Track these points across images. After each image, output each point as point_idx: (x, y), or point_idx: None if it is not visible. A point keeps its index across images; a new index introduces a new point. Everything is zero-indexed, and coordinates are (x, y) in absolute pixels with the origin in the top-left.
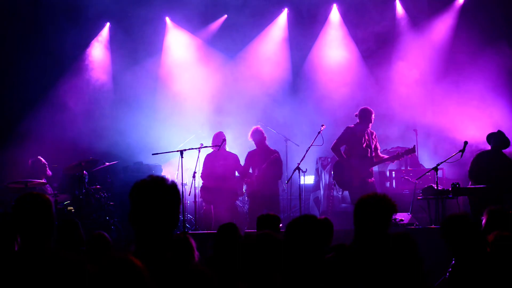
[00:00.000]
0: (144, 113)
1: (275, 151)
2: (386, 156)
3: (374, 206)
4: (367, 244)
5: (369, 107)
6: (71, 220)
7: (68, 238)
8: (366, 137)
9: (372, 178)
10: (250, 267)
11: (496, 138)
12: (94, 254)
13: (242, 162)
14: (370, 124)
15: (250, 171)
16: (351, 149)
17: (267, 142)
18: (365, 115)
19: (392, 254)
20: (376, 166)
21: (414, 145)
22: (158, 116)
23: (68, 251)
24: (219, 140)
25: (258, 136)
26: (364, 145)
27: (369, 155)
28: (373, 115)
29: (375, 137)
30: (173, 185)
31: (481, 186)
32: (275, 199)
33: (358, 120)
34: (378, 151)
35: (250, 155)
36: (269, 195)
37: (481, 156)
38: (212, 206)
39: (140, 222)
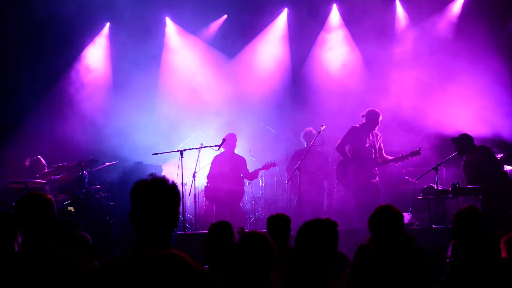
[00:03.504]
0: (144, 113)
1: (321, 152)
2: (390, 157)
3: (385, 218)
4: (386, 246)
5: (376, 109)
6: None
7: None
8: (371, 138)
9: (376, 179)
10: (241, 267)
11: (462, 142)
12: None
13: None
14: (377, 126)
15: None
16: (354, 148)
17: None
18: (371, 117)
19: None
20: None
21: (420, 147)
22: (158, 116)
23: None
24: (231, 142)
25: (308, 138)
26: (367, 145)
27: (373, 156)
28: (380, 117)
29: (379, 138)
30: (174, 185)
31: (477, 186)
32: (319, 200)
33: (364, 121)
34: (383, 152)
35: (297, 154)
36: (313, 195)
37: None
38: (214, 206)
39: (140, 222)
